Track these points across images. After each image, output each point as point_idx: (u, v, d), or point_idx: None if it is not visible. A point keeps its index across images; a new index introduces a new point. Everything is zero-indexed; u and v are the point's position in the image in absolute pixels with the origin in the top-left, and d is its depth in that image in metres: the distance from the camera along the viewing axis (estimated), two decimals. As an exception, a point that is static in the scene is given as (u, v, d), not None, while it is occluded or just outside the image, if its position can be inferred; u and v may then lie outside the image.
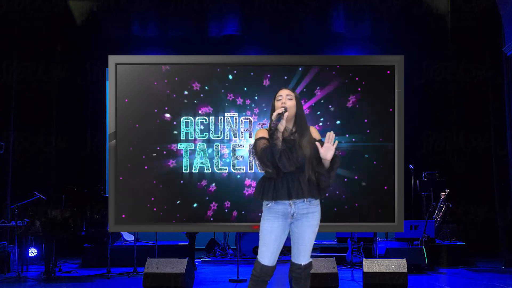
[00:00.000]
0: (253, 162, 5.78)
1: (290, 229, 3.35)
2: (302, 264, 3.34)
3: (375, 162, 5.81)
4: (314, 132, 3.43)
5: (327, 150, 3.24)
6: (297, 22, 8.57)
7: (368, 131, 5.83)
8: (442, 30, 8.37)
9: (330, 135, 3.26)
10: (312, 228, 3.33)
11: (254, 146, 3.31)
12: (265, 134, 3.33)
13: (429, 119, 8.54)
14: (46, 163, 8.15)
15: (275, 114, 3.26)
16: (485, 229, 7.78)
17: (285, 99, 3.34)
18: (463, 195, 7.95)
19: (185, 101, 5.87)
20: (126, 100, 5.84)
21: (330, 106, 5.86)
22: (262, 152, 3.22)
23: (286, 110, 3.26)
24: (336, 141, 3.27)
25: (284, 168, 3.20)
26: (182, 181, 5.84)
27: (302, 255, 3.34)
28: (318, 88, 5.85)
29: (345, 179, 5.80)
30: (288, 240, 3.41)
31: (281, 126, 3.23)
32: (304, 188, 3.25)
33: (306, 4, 8.29)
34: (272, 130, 3.22)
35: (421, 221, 7.10)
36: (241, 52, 8.50)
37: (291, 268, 3.38)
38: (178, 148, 5.87)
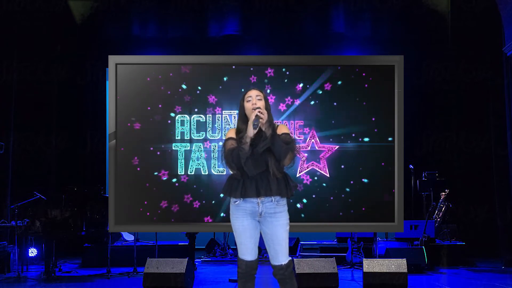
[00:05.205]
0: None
1: (261, 230, 3.39)
2: (283, 263, 3.35)
3: (375, 162, 5.81)
4: (283, 128, 3.41)
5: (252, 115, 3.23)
6: (297, 22, 8.57)
7: (367, 131, 5.83)
8: (442, 30, 8.37)
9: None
10: (283, 227, 3.34)
11: (223, 146, 3.37)
12: (234, 134, 3.38)
13: (429, 119, 8.54)
14: (46, 163, 8.17)
15: (252, 119, 3.22)
16: (485, 229, 7.78)
17: (255, 100, 3.36)
18: (463, 195, 7.95)
19: (186, 101, 5.88)
20: (126, 100, 5.84)
21: (329, 106, 5.86)
22: (228, 153, 3.27)
23: (261, 117, 3.23)
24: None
25: (250, 172, 3.26)
26: (182, 181, 5.85)
27: (280, 255, 3.35)
28: (315, 88, 5.85)
29: (345, 179, 5.80)
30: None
31: (254, 131, 3.22)
32: (272, 186, 3.28)
33: (306, 4, 8.29)
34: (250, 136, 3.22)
35: (421, 221, 7.10)
36: (241, 52, 8.50)
37: (274, 272, 3.39)
38: (179, 148, 5.87)
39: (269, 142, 3.23)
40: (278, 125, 3.42)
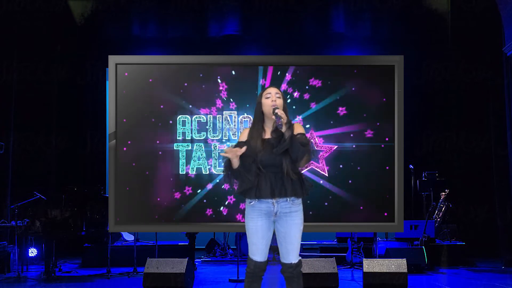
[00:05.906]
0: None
1: (275, 228, 3.38)
2: (293, 262, 3.35)
3: (374, 162, 5.81)
4: (298, 128, 3.40)
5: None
6: (297, 22, 8.57)
7: (367, 131, 5.83)
8: (442, 30, 8.37)
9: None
10: (297, 227, 3.34)
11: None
12: (245, 137, 3.38)
13: (429, 119, 8.54)
14: (46, 163, 8.16)
15: (278, 111, 3.24)
16: (485, 229, 7.78)
17: (275, 97, 3.35)
18: (463, 195, 7.95)
19: (187, 101, 5.88)
20: (126, 100, 5.84)
21: (328, 106, 5.86)
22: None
23: (283, 117, 3.24)
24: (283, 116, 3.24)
25: (231, 186, 3.37)
26: (181, 181, 5.85)
27: (291, 254, 3.35)
28: (315, 87, 5.86)
29: (344, 179, 5.79)
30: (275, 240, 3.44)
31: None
32: (287, 187, 3.28)
33: (306, 4, 8.29)
34: (278, 129, 3.24)
35: (421, 221, 7.10)
36: (241, 52, 8.50)
37: (282, 269, 3.40)
38: (180, 148, 5.87)
39: (288, 144, 3.21)
40: (293, 124, 3.38)
